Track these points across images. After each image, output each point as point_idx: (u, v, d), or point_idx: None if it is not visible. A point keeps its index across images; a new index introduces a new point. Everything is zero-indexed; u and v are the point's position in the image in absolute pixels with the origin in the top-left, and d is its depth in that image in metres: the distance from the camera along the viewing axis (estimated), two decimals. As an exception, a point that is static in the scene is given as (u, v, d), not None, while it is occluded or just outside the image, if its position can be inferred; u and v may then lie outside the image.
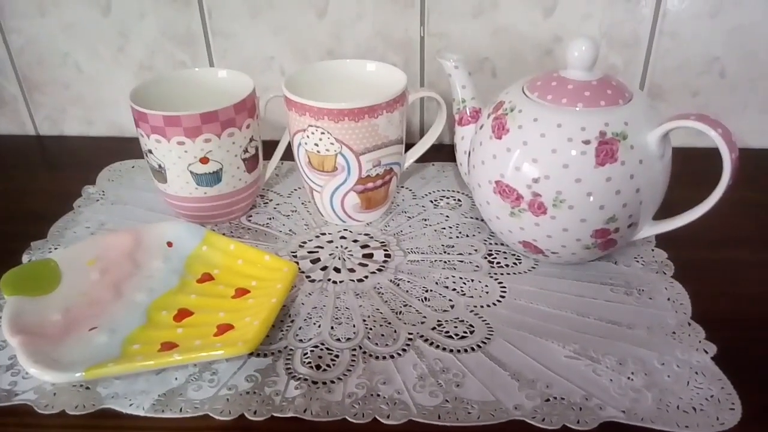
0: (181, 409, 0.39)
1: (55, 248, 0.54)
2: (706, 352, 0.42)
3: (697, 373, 0.40)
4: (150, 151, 0.53)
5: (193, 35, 0.68)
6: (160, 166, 0.53)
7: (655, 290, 0.47)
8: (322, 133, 0.51)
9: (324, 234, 0.56)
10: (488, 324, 0.45)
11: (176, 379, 0.41)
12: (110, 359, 0.40)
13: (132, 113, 0.52)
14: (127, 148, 0.69)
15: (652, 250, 0.52)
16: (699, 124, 0.43)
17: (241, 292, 0.46)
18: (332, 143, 0.51)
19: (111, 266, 0.48)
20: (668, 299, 0.46)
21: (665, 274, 0.49)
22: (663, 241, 0.52)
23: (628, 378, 0.40)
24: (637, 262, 0.51)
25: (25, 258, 0.53)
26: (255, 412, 0.39)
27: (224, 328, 0.43)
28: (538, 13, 0.64)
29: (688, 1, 0.62)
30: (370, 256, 0.53)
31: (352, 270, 0.51)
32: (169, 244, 0.50)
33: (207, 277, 0.48)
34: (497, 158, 0.47)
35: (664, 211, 0.48)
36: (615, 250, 0.49)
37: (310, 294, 0.48)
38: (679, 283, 0.48)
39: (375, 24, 0.66)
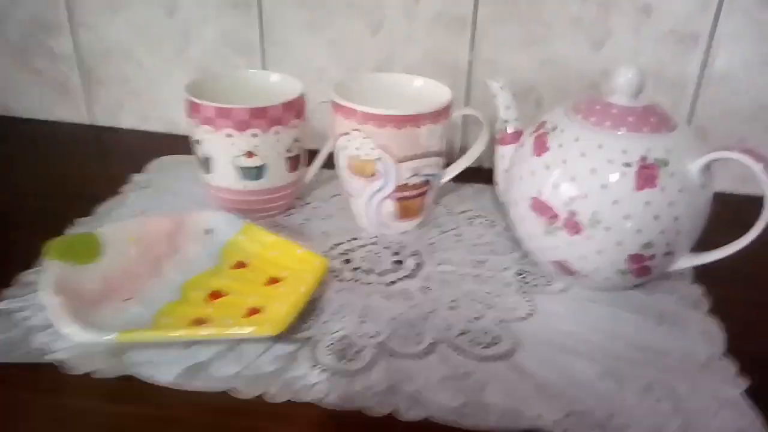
0: (204, 382, 0.40)
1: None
2: (737, 387, 0.41)
3: (725, 406, 0.39)
4: (198, 141, 0.55)
5: (251, 42, 0.71)
6: (207, 156, 0.55)
7: (689, 324, 0.47)
8: (365, 137, 0.52)
9: (357, 238, 0.56)
10: (515, 337, 0.45)
11: (203, 354, 0.42)
12: (141, 328, 0.41)
13: (185, 103, 0.55)
14: (177, 145, 0.71)
15: (689, 285, 0.51)
16: (742, 156, 0.43)
17: (273, 281, 0.48)
18: (373, 148, 0.52)
19: (151, 245, 0.49)
20: (701, 333, 0.46)
21: (700, 309, 0.48)
22: (700, 277, 0.51)
23: (655, 402, 0.39)
24: (672, 295, 0.50)
25: (69, 232, 0.55)
26: (274, 394, 0.39)
27: (254, 311, 0.44)
28: (588, 46, 0.65)
29: (739, 48, 0.62)
30: (400, 262, 0.53)
31: (382, 274, 0.51)
32: (208, 232, 0.52)
33: (241, 265, 0.50)
34: (536, 175, 0.47)
35: (703, 250, 0.47)
36: (649, 279, 0.49)
37: (339, 291, 0.49)
38: (715, 319, 0.47)
39: (425, 46, 0.68)
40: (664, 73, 0.65)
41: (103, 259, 0.47)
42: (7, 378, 0.40)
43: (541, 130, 0.49)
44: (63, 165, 0.69)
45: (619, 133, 0.45)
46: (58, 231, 0.54)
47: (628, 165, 0.44)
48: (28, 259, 0.50)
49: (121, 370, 0.40)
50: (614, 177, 0.44)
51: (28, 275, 0.49)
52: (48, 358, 0.41)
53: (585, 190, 0.45)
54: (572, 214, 0.45)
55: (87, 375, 0.40)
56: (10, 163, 0.69)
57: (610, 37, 0.65)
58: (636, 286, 0.50)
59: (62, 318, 0.40)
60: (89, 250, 0.47)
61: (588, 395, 0.40)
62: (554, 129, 0.48)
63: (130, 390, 0.40)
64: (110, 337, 0.39)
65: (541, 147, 0.48)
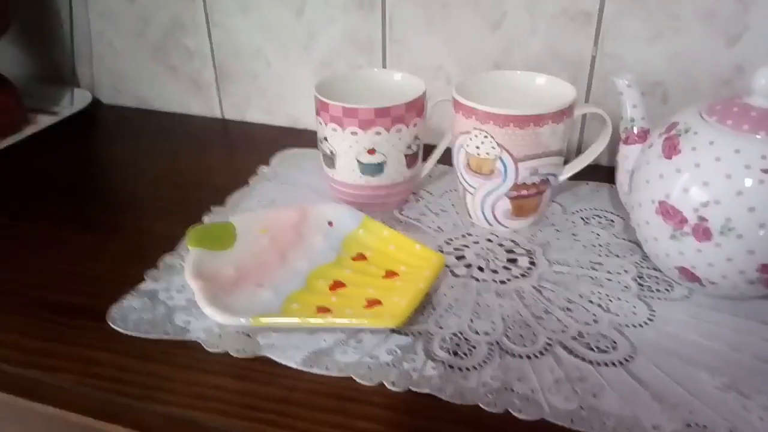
0: (327, 368, 0.42)
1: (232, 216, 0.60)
2: None
3: None
4: (325, 138, 0.58)
5: (372, 41, 0.73)
6: (331, 152, 0.58)
7: (826, 339, 0.44)
8: (485, 136, 0.53)
9: (470, 235, 0.57)
10: (633, 343, 0.44)
11: (325, 341, 0.44)
12: (272, 313, 0.45)
13: (315, 102, 0.58)
14: (298, 139, 0.75)
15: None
16: None
17: (391, 274, 0.49)
18: (493, 147, 0.53)
19: (279, 235, 0.52)
20: (840, 350, 0.43)
21: (839, 324, 0.45)
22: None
23: (785, 421, 0.38)
24: (807, 307, 0.47)
25: (205, 220, 0.60)
26: (394, 383, 0.41)
27: (373, 303, 0.46)
28: (721, 41, 0.62)
29: None
30: (514, 261, 0.53)
31: (495, 271, 0.52)
32: (330, 224, 0.54)
33: (361, 257, 0.52)
34: (664, 178, 0.46)
35: None
36: (782, 290, 0.46)
37: (452, 287, 0.50)
38: None
39: (547, 40, 0.67)
40: (810, 69, 0.60)
41: (237, 247, 0.51)
42: (150, 353, 0.45)
43: (673, 132, 0.47)
44: (197, 156, 0.74)
45: (757, 137, 0.43)
46: (195, 218, 0.59)
47: (766, 171, 0.42)
48: (170, 243, 0.55)
49: (254, 352, 0.44)
50: (751, 183, 0.42)
51: (170, 258, 0.54)
52: (188, 336, 0.45)
53: (718, 196, 0.43)
54: (702, 220, 0.44)
55: (220, 354, 0.44)
56: (151, 153, 0.75)
57: (747, 31, 0.61)
58: (765, 296, 0.48)
59: (202, 301, 0.44)
60: (225, 238, 0.51)
61: (709, 407, 0.39)
62: (687, 131, 0.46)
63: (261, 369, 0.43)
64: (244, 320, 0.43)
65: (672, 149, 0.46)
